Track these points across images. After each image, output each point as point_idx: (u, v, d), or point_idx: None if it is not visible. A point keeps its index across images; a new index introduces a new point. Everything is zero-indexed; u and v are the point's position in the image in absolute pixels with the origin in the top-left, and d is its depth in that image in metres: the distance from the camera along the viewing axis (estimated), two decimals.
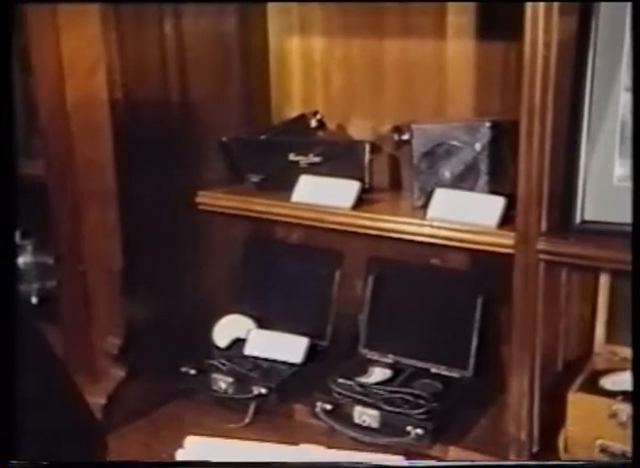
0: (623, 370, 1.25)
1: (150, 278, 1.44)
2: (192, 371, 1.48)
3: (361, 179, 1.38)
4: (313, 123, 1.51)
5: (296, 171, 1.42)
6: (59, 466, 1.07)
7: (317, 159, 1.41)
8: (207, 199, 1.49)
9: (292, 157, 1.43)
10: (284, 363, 1.48)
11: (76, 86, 1.38)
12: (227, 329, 1.56)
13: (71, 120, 1.40)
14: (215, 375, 1.46)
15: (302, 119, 1.52)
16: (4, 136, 0.88)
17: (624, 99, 1.13)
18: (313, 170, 1.42)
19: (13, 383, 0.79)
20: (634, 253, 0.97)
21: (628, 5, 1.13)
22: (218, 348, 1.55)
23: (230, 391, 1.45)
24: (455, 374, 1.41)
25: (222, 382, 1.45)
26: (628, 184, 1.13)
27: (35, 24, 1.37)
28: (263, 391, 1.42)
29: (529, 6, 1.09)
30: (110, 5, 1.34)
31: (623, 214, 1.13)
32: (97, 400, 1.40)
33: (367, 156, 1.38)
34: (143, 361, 1.44)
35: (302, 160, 1.42)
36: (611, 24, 1.13)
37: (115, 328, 1.43)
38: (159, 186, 1.44)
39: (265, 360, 1.49)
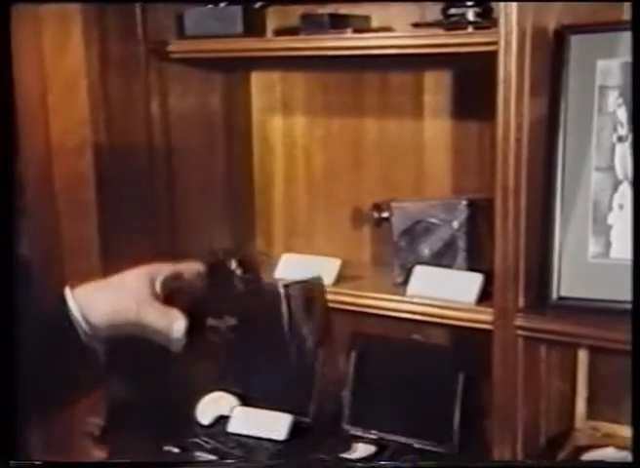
0: (605, 446, 1.25)
1: (131, 357, 1.44)
2: (175, 450, 1.47)
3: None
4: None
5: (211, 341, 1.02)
6: (58, 466, 1.05)
7: (234, 320, 1.00)
8: None
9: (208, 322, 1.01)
10: (268, 440, 1.47)
11: (64, 166, 1.41)
12: (211, 406, 1.55)
13: (58, 200, 1.42)
14: (198, 453, 1.45)
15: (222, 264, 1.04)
16: (4, 136, 0.89)
17: (595, 178, 1.17)
18: (231, 335, 1.01)
19: (13, 383, 0.78)
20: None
21: (596, 86, 1.18)
22: (201, 426, 1.54)
23: None
24: (439, 449, 1.41)
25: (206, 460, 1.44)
26: (602, 261, 1.16)
27: (24, 104, 1.40)
28: None
29: (501, 87, 1.13)
30: (99, 84, 1.38)
31: (598, 291, 1.16)
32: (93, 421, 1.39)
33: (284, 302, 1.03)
34: (125, 440, 1.43)
35: (219, 324, 1.00)
36: (579, 105, 1.18)
37: (96, 408, 1.42)
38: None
39: (249, 437, 1.48)
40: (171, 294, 0.96)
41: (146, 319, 0.93)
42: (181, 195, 1.54)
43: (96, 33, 1.36)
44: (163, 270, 0.97)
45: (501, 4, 1.12)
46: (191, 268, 0.99)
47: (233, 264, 1.02)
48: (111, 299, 0.93)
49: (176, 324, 0.93)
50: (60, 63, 1.38)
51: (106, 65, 1.39)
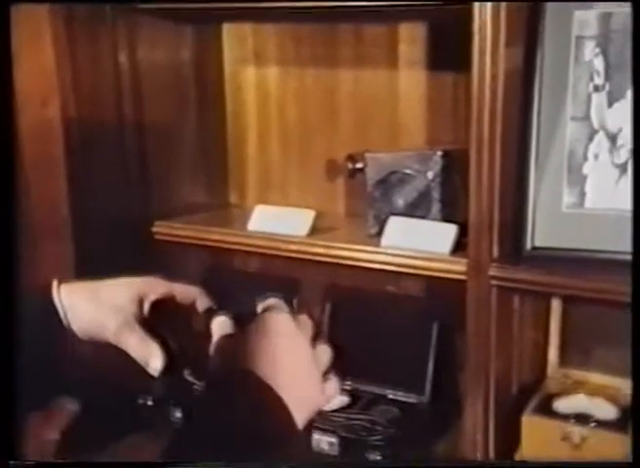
0: (576, 393, 1.27)
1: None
2: (149, 403, 1.47)
3: None
4: None
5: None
6: (59, 466, 1.05)
7: None
8: (163, 229, 1.49)
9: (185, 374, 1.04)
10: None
11: (30, 119, 1.38)
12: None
13: (25, 155, 1.40)
14: (172, 407, 1.45)
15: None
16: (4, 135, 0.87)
17: (571, 129, 1.17)
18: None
19: (13, 383, 0.77)
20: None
21: (573, 35, 1.17)
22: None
23: (188, 422, 1.44)
24: (412, 400, 1.43)
25: (180, 413, 1.44)
26: (576, 211, 1.17)
27: None
28: None
29: (476, 38, 1.12)
30: (64, 36, 1.34)
31: (572, 241, 1.16)
32: (50, 436, 1.38)
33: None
34: (99, 393, 1.42)
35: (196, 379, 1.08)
36: (555, 55, 1.17)
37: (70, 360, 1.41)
38: (114, 217, 1.43)
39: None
40: (158, 320, 0.89)
41: (124, 344, 0.90)
42: (152, 149, 1.51)
43: None
44: (156, 290, 0.91)
45: None
46: (188, 293, 0.93)
47: None
48: (93, 314, 0.88)
49: (152, 360, 0.89)
50: (23, 15, 1.34)
51: (72, 17, 1.35)
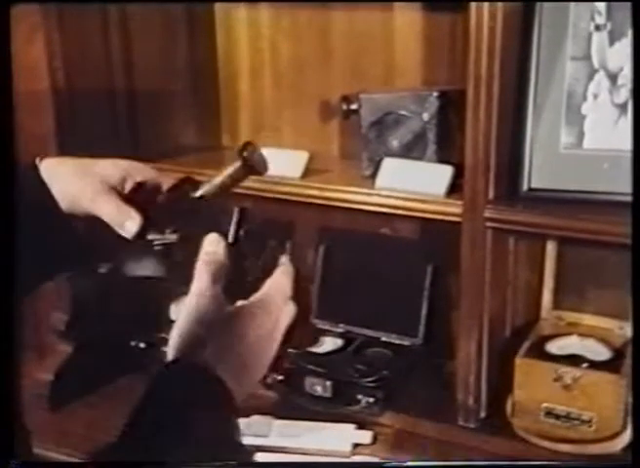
0: (569, 334, 1.28)
1: (98, 251, 1.42)
2: (142, 345, 1.47)
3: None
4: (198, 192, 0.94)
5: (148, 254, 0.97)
6: (59, 466, 1.06)
7: (174, 237, 0.92)
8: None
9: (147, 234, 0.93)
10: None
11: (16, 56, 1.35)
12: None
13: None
14: (165, 349, 1.45)
15: (186, 183, 0.94)
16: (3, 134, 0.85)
17: (570, 68, 1.15)
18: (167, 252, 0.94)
19: (13, 383, 0.77)
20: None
21: None
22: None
23: None
24: (405, 342, 1.43)
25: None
26: (574, 152, 1.16)
27: None
28: None
29: None
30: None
31: (570, 182, 1.16)
32: (44, 376, 1.38)
33: (236, 218, 0.95)
34: (92, 335, 1.42)
35: (158, 239, 0.93)
36: None
37: (62, 303, 1.40)
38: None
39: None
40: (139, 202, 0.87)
41: (100, 210, 0.87)
42: (142, 89, 1.48)
43: None
44: (142, 173, 0.89)
45: None
46: (163, 179, 0.90)
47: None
48: (72, 180, 0.87)
49: (128, 222, 0.87)
50: None
51: None
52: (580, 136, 1.15)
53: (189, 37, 1.57)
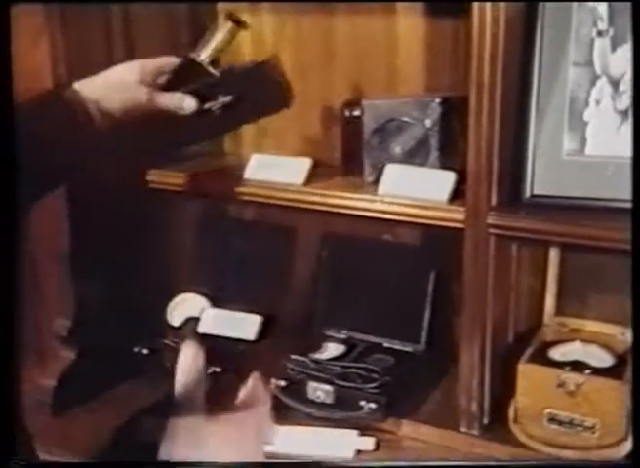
0: (572, 340, 1.28)
1: (101, 258, 1.42)
2: (144, 351, 1.47)
3: (284, 102, 1.23)
4: (203, 58, 1.20)
5: (213, 120, 1.21)
6: (59, 466, 1.06)
7: (228, 98, 1.18)
8: (157, 177, 1.47)
9: (201, 107, 1.19)
10: (238, 340, 1.48)
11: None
12: (181, 307, 1.55)
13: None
14: (167, 355, 1.45)
15: (191, 62, 1.21)
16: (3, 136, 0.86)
17: (572, 74, 1.15)
18: (230, 113, 1.19)
19: (13, 383, 0.77)
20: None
21: None
22: (171, 327, 1.54)
23: None
24: (407, 348, 1.43)
25: (175, 361, 1.44)
26: (576, 158, 1.16)
27: None
28: (217, 369, 1.42)
29: None
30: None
31: (572, 188, 1.16)
32: (46, 382, 1.39)
33: (278, 71, 1.23)
34: (94, 341, 1.42)
35: (214, 105, 1.19)
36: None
37: (64, 309, 1.41)
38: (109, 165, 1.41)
39: (219, 338, 1.49)
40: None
41: (161, 104, 1.11)
42: None
43: None
44: (151, 64, 1.13)
45: None
46: (169, 61, 1.16)
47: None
48: (119, 93, 1.07)
49: (185, 102, 1.13)
50: None
51: None
52: (583, 142, 1.15)
53: (192, 42, 1.57)
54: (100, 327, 1.42)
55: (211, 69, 1.20)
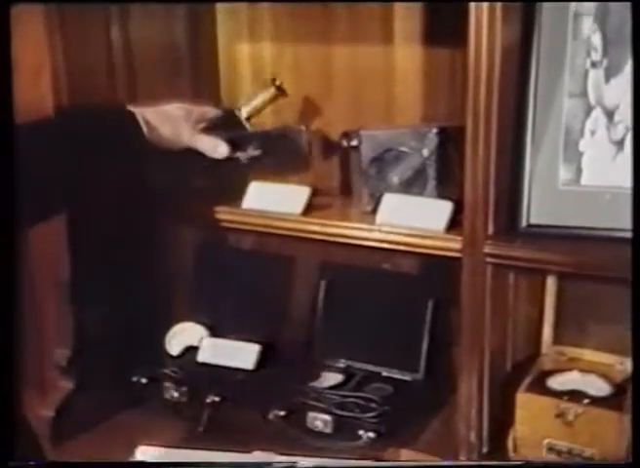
0: (570, 370, 1.27)
1: (100, 286, 1.42)
2: (143, 380, 1.47)
3: (304, 166, 1.40)
4: (243, 114, 1.45)
5: (237, 169, 1.39)
6: (59, 466, 1.06)
7: (257, 152, 1.39)
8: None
9: (231, 154, 1.38)
10: (237, 370, 1.48)
11: (21, 94, 1.36)
12: (179, 337, 1.55)
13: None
14: (166, 384, 1.45)
15: (232, 114, 1.45)
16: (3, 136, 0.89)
17: (567, 105, 1.16)
18: (255, 164, 1.39)
19: (13, 383, 0.78)
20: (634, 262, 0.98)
21: (570, 12, 1.16)
22: (170, 356, 1.54)
23: (183, 400, 1.44)
24: (406, 377, 1.42)
25: (174, 391, 1.44)
26: (572, 188, 1.16)
27: None
28: (216, 399, 1.42)
29: (472, 12, 1.10)
30: (54, 9, 1.32)
31: (568, 218, 1.16)
32: (45, 413, 1.38)
33: (304, 139, 1.38)
34: (93, 371, 1.42)
35: (242, 155, 1.39)
36: (552, 31, 1.16)
37: (63, 339, 1.41)
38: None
39: (218, 367, 1.49)
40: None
41: (196, 143, 1.31)
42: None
43: None
44: (197, 111, 1.34)
45: None
46: (212, 110, 1.38)
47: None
48: (167, 126, 1.26)
49: (220, 147, 1.33)
50: None
51: None
52: (578, 172, 1.15)
53: (193, 74, 1.59)
54: (98, 356, 1.42)
55: (247, 124, 1.44)
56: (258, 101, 1.45)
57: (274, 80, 1.46)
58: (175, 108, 1.30)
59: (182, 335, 1.55)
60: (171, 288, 1.59)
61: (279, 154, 1.39)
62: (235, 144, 1.36)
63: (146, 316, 1.51)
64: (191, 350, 1.53)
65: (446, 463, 1.25)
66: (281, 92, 1.45)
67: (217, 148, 1.33)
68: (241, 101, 1.46)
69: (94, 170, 1.20)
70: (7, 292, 0.81)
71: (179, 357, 1.54)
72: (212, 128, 1.37)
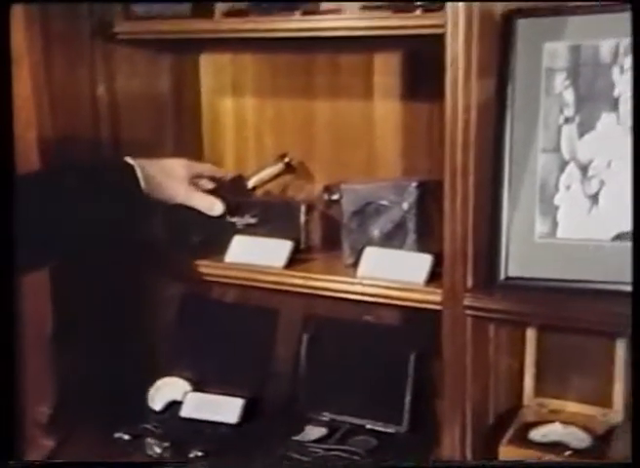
0: (552, 421, 1.28)
1: (83, 341, 1.42)
2: (126, 437, 1.46)
3: (297, 239, 1.40)
4: (250, 184, 1.49)
5: (232, 232, 1.43)
6: (58, 466, 1.06)
7: (253, 220, 1.43)
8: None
9: (228, 218, 1.43)
10: (220, 424, 1.47)
11: None
12: (162, 392, 1.54)
13: None
14: (149, 440, 1.44)
15: (239, 180, 1.50)
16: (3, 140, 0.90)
17: (542, 160, 1.18)
18: (250, 230, 1.43)
19: (13, 383, 0.78)
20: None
21: (543, 68, 1.19)
22: (153, 412, 1.53)
23: (166, 455, 1.43)
24: (390, 430, 1.42)
25: (157, 447, 1.43)
26: (549, 241, 1.18)
27: None
28: (200, 454, 1.41)
29: (448, 70, 1.13)
30: (41, 65, 1.35)
31: (546, 270, 1.17)
32: None
33: (302, 216, 1.41)
34: (75, 427, 1.41)
35: (239, 221, 1.43)
36: (526, 87, 1.19)
37: (45, 396, 1.40)
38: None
39: (202, 422, 1.48)
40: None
41: (191, 201, 1.33)
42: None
43: (38, 11, 1.33)
44: (197, 166, 1.38)
45: None
46: (211, 169, 1.42)
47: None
48: (164, 181, 1.28)
49: (215, 205, 1.36)
50: None
51: (49, 46, 1.36)
52: (554, 225, 1.17)
53: (176, 128, 1.61)
54: (80, 413, 1.41)
55: (250, 193, 1.49)
56: (265, 174, 1.50)
57: (284, 156, 1.51)
58: (176, 163, 1.32)
59: (165, 390, 1.55)
60: (154, 342, 1.59)
61: (274, 225, 1.42)
62: (235, 210, 1.41)
63: (130, 371, 1.51)
64: (175, 405, 1.53)
65: (446, 463, 1.24)
66: (289, 168, 1.51)
67: (213, 206, 1.35)
68: (248, 172, 1.52)
69: (86, 223, 1.21)
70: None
71: (162, 412, 1.53)
72: (219, 188, 1.41)
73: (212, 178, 1.40)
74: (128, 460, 1.20)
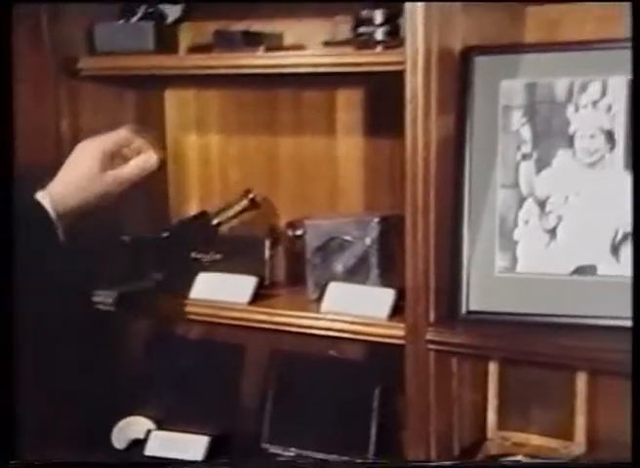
0: (515, 454, 1.28)
1: (44, 381, 1.40)
2: None
3: (261, 275, 1.41)
4: (214, 220, 1.49)
5: (197, 268, 1.43)
6: (59, 466, 1.04)
7: (218, 256, 1.45)
8: (103, 297, 1.48)
9: (193, 255, 1.45)
10: (186, 462, 1.46)
11: None
12: (125, 431, 1.53)
13: None
14: None
15: (203, 216, 1.51)
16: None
17: (501, 196, 1.20)
18: (215, 266, 1.44)
19: (13, 384, 0.77)
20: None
21: (500, 105, 1.21)
22: (116, 451, 1.51)
23: None
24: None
25: None
26: (509, 275, 1.20)
27: None
28: None
29: (408, 107, 1.15)
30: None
31: (506, 304, 1.19)
32: None
33: (267, 252, 1.43)
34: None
35: (204, 257, 1.45)
36: (484, 124, 1.21)
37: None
38: (55, 285, 1.42)
39: (166, 460, 1.47)
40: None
41: (124, 174, 1.20)
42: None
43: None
44: (108, 143, 1.20)
45: (407, 24, 1.14)
46: (124, 134, 1.23)
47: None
48: (80, 193, 1.16)
49: (152, 158, 1.22)
50: None
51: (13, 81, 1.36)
52: (514, 260, 1.19)
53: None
54: (41, 453, 1.39)
55: (215, 229, 1.47)
56: (230, 212, 1.50)
57: (248, 192, 1.50)
58: (84, 162, 1.19)
59: (129, 429, 1.53)
60: (118, 380, 1.57)
61: (239, 260, 1.43)
62: (200, 247, 1.43)
63: (92, 410, 1.49)
64: (140, 444, 1.51)
65: (446, 463, 1.23)
66: (254, 204, 1.50)
67: (150, 160, 1.23)
68: (213, 208, 1.51)
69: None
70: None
71: (126, 450, 1.51)
72: (180, 225, 1.47)
73: (129, 143, 1.23)
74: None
